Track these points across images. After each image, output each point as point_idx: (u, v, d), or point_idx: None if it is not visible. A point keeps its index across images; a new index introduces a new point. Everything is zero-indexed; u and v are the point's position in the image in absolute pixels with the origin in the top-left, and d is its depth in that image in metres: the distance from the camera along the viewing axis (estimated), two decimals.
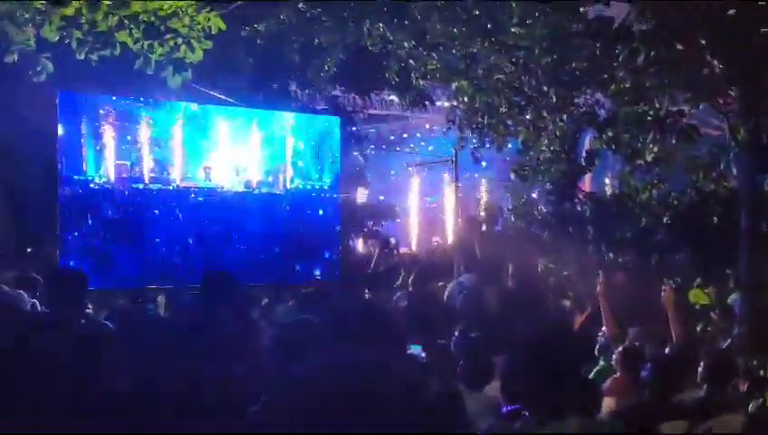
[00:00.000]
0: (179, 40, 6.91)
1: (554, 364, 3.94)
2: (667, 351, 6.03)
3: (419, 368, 4.47)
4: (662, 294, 7.10)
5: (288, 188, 10.82)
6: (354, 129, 13.91)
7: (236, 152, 10.42)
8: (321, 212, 11.09)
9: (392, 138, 22.18)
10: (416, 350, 5.42)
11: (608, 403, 5.13)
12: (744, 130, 7.37)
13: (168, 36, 6.87)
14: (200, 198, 10.30)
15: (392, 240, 12.71)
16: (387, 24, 8.58)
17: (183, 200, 10.23)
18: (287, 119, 10.82)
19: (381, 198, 17.98)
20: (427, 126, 20.87)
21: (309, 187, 10.88)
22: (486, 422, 3.97)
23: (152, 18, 6.76)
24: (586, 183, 10.56)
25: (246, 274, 9.24)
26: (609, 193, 10.12)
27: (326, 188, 10.99)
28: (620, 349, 5.88)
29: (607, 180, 12.43)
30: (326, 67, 9.96)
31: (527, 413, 3.82)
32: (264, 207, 10.73)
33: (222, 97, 11.05)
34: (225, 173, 10.39)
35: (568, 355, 3.99)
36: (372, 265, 11.13)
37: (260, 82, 11.70)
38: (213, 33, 7.06)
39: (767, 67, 7.32)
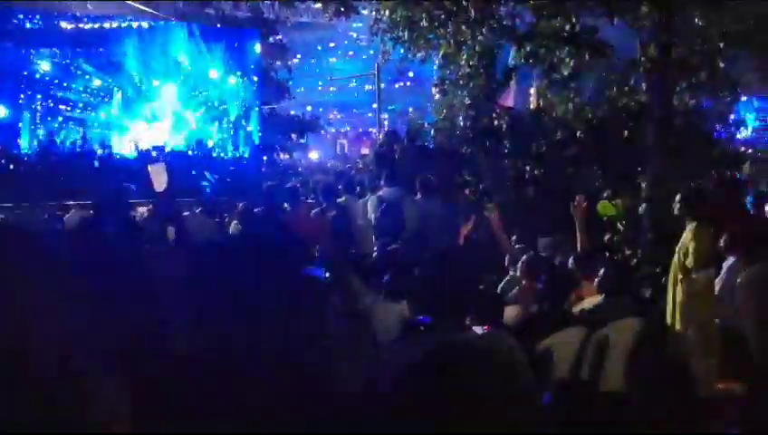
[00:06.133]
0: None
1: (453, 277, 4.10)
2: (570, 261, 6.20)
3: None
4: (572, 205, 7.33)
5: None
6: (278, 38, 13.52)
7: None
8: None
9: (319, 48, 21.80)
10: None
11: (513, 312, 5.31)
12: (655, 47, 7.56)
13: None
14: None
15: None
16: None
17: None
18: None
19: (309, 108, 17.79)
20: (354, 36, 20.58)
21: None
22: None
23: None
24: (510, 98, 10.64)
25: None
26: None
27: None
28: (524, 259, 6.00)
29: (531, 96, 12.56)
30: None
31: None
32: None
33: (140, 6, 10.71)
34: None
35: (466, 268, 4.16)
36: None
37: None
38: None
39: None
